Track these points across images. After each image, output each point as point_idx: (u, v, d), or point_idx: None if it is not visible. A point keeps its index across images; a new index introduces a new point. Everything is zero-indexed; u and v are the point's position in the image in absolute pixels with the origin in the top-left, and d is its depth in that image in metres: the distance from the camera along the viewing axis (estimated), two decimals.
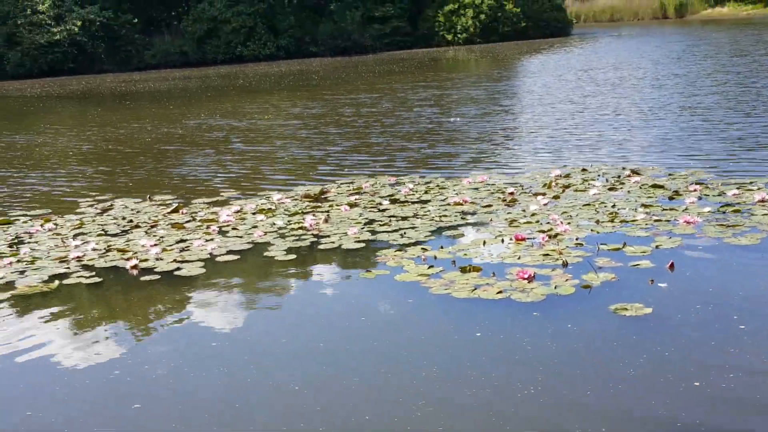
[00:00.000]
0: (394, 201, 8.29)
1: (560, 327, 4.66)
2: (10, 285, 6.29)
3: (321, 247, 6.77)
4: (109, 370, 4.56)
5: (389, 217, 7.62)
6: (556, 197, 7.91)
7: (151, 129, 16.82)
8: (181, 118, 18.54)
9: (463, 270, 5.75)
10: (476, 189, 8.60)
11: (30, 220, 8.64)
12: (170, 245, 7.12)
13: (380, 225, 7.31)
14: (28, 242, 7.62)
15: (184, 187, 10.24)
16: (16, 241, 7.72)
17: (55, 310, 5.72)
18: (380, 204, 8.20)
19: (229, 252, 6.81)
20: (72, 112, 22.74)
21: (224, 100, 22.20)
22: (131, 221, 8.21)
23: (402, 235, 6.89)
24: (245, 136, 14.74)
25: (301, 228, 7.41)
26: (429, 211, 7.74)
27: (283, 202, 8.63)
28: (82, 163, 13.08)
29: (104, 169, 12.22)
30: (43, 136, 17.00)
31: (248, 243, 7.05)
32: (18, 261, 6.91)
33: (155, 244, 7.11)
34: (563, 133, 12.17)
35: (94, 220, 8.40)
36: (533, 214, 7.26)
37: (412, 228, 7.12)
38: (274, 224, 7.63)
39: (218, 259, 6.64)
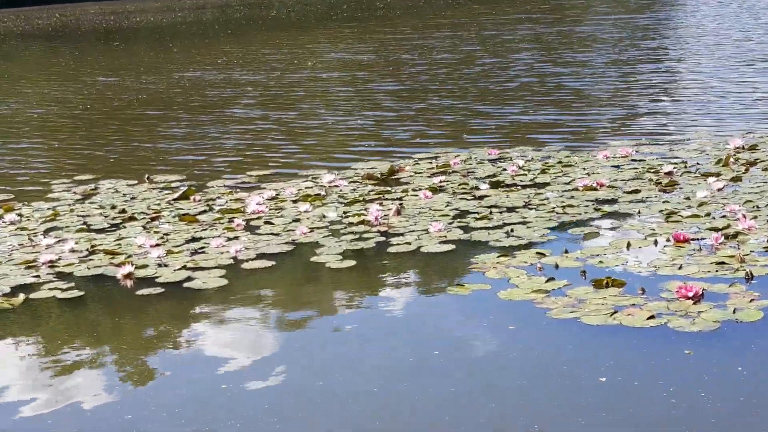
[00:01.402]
0: (496, 184, 8.25)
1: (743, 371, 4.57)
2: None
3: (391, 249, 6.76)
4: (86, 422, 4.62)
5: (489, 207, 7.59)
6: (735, 179, 7.78)
7: (147, 82, 17.10)
8: (189, 66, 18.79)
9: (598, 284, 5.69)
10: (616, 167, 8.51)
11: None
12: (178, 246, 7.20)
13: (476, 219, 7.27)
14: None
15: (196, 164, 10.37)
16: None
17: (17, 336, 5.82)
18: (476, 189, 8.17)
19: (261, 256, 6.86)
20: (38, 58, 23.29)
21: (248, 40, 22.45)
22: (123, 211, 8.33)
23: (508, 234, 6.85)
24: (277, 93, 14.85)
25: (362, 222, 7.42)
26: (547, 199, 7.68)
27: (336, 186, 8.67)
28: (53, 130, 13.37)
29: (84, 139, 12.47)
30: None
31: (287, 243, 7.08)
32: None
33: (157, 244, 7.18)
34: (742, 86, 11.93)
35: (72, 210, 8.55)
36: (701, 204, 7.15)
37: (523, 223, 7.07)
38: (324, 217, 7.66)
39: (245, 265, 6.69)
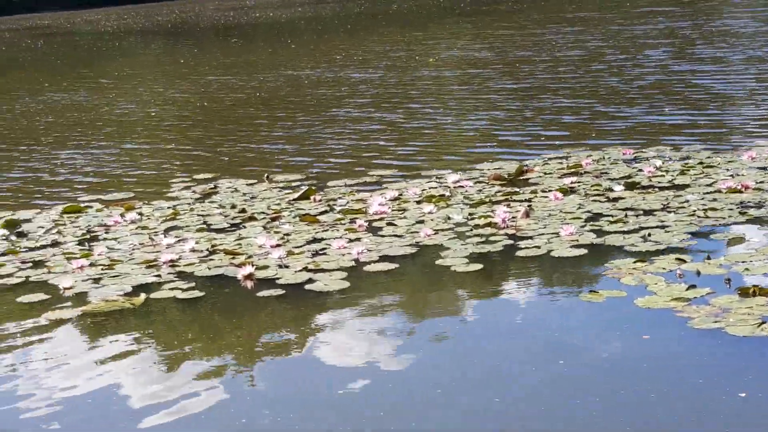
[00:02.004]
0: (631, 186, 8.13)
1: None
2: (80, 298, 6.57)
3: (520, 253, 6.70)
4: (200, 424, 4.65)
5: (624, 210, 7.48)
6: None
7: (265, 80, 17.29)
8: (306, 63, 18.95)
9: (744, 292, 5.55)
10: (763, 169, 8.30)
11: (106, 207, 9.04)
12: (298, 246, 7.24)
13: (610, 222, 7.18)
14: (105, 238, 7.95)
15: (314, 164, 10.43)
16: (88, 236, 8.06)
17: (137, 335, 5.92)
18: (610, 190, 8.07)
19: (383, 258, 6.85)
20: (157, 55, 23.80)
21: (367, 36, 22.54)
22: (243, 211, 8.41)
23: (645, 238, 6.73)
24: (394, 91, 14.85)
25: (489, 225, 7.37)
26: (687, 201, 7.53)
27: (461, 186, 8.62)
28: (172, 129, 13.62)
29: (201, 138, 12.65)
30: (117, 90, 17.83)
31: (411, 245, 7.07)
32: (91, 265, 7.20)
33: (277, 245, 7.24)
34: None
35: (192, 209, 8.68)
36: None
37: (661, 227, 6.94)
38: (449, 218, 7.63)
39: (367, 267, 6.69)
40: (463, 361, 5.19)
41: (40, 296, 6.63)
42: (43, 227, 8.42)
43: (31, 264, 7.36)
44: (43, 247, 7.82)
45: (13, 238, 8.12)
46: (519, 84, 14.73)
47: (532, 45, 18.64)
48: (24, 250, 7.76)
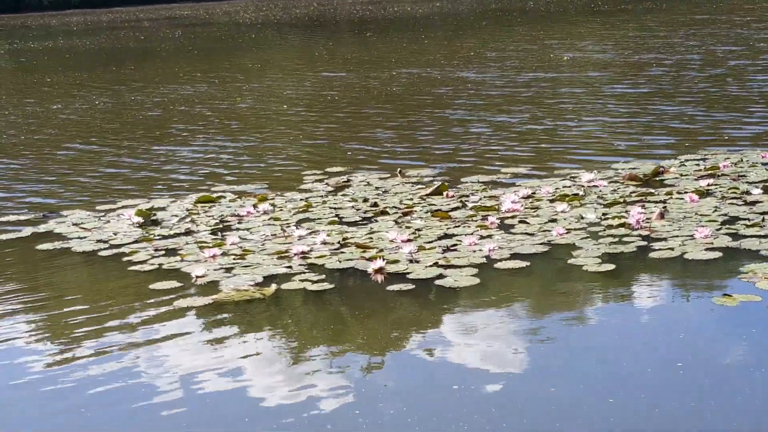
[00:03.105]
0: None
1: None
2: (212, 287, 6.75)
3: (653, 255, 6.68)
4: (323, 420, 4.73)
5: (762, 213, 7.39)
6: None
7: (399, 75, 17.37)
8: (440, 60, 18.96)
9: None
10: None
11: (239, 197, 9.25)
12: (430, 242, 7.31)
13: (747, 226, 7.10)
14: (237, 228, 8.15)
15: (446, 159, 10.48)
16: (221, 226, 8.27)
17: (267, 325, 6.07)
18: (747, 193, 7.97)
19: (515, 256, 6.88)
20: (292, 48, 24.10)
21: (500, 32, 22.47)
22: (375, 205, 8.52)
23: None
24: (526, 90, 14.78)
25: (622, 225, 7.35)
26: None
27: (595, 186, 8.61)
28: (304, 122, 13.81)
29: (334, 131, 12.80)
30: (250, 82, 18.12)
31: (543, 244, 7.09)
32: (223, 254, 7.40)
33: (409, 240, 7.33)
34: None
35: (324, 202, 8.82)
36: None
37: None
38: (582, 218, 7.62)
39: (498, 265, 6.73)
40: (596, 365, 5.20)
41: (173, 284, 6.81)
42: (176, 216, 8.66)
43: (164, 252, 7.58)
44: (177, 235, 8.04)
45: (148, 226, 8.35)
46: (653, 86, 14.56)
47: (662, 46, 18.36)
48: (158, 238, 7.98)
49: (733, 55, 17.07)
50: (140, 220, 8.44)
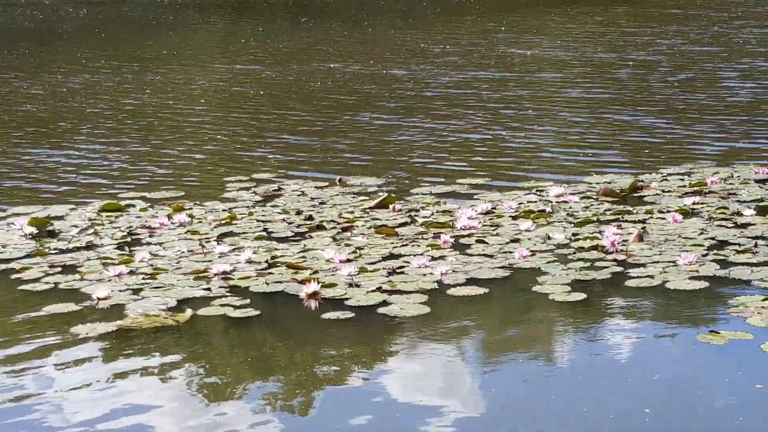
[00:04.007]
0: (764, 210, 8.11)
1: None
2: (117, 311, 6.69)
3: (629, 283, 6.74)
4: None
5: (754, 238, 7.48)
6: None
7: (337, 69, 17.36)
8: (384, 53, 18.99)
9: None
10: None
11: (151, 207, 9.17)
12: (373, 263, 7.33)
13: (737, 251, 7.19)
14: (149, 242, 8.09)
15: (395, 166, 10.55)
16: (129, 239, 8.20)
17: (180, 357, 6.04)
18: (738, 214, 8.07)
19: (471, 281, 6.92)
20: (215, 33, 23.99)
21: (455, 21, 22.48)
22: (310, 218, 8.51)
23: None
24: (487, 90, 14.87)
25: (595, 248, 7.41)
26: None
27: (565, 202, 8.68)
28: (227, 120, 13.74)
29: (263, 132, 12.75)
30: (165, 72, 18.01)
31: (504, 268, 7.13)
32: (131, 272, 7.34)
33: (348, 260, 7.34)
34: None
35: (251, 213, 8.77)
36: None
37: None
38: (550, 238, 7.68)
39: (451, 291, 6.76)
40: (557, 407, 5.25)
41: (70, 306, 6.74)
42: (77, 226, 8.55)
43: (61, 269, 7.48)
44: (77, 249, 7.94)
45: (43, 237, 8.27)
46: (631, 88, 14.70)
47: (645, 45, 18.56)
48: (54, 252, 7.89)
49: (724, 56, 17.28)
50: (34, 230, 8.33)
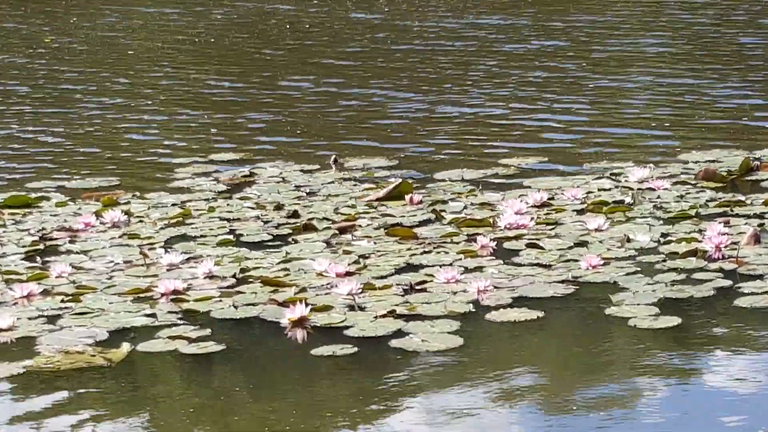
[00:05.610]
0: None
1: None
2: (26, 347, 6.67)
3: (740, 301, 6.74)
4: None
5: None
6: None
7: (322, 8, 17.43)
8: None
9: None
10: None
11: (72, 200, 9.17)
12: (383, 277, 7.32)
13: None
14: (69, 250, 8.08)
15: (415, 140, 10.61)
16: (41, 246, 8.20)
17: (110, 411, 5.99)
18: None
19: (518, 301, 6.91)
20: None
21: None
22: (295, 215, 8.50)
23: None
24: (547, 38, 14.95)
25: (693, 253, 7.41)
26: None
27: (651, 189, 8.68)
28: (174, 79, 13.76)
29: (226, 94, 12.78)
30: (85, 15, 18.09)
31: (565, 282, 7.13)
32: (45, 293, 7.31)
33: (348, 273, 7.30)
34: None
35: (211, 209, 8.79)
36: None
37: None
38: (630, 240, 7.69)
39: (491, 315, 6.75)
40: None
41: None
42: None
43: None
44: None
45: None
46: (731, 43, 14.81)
47: None
48: None
49: None
50: None
